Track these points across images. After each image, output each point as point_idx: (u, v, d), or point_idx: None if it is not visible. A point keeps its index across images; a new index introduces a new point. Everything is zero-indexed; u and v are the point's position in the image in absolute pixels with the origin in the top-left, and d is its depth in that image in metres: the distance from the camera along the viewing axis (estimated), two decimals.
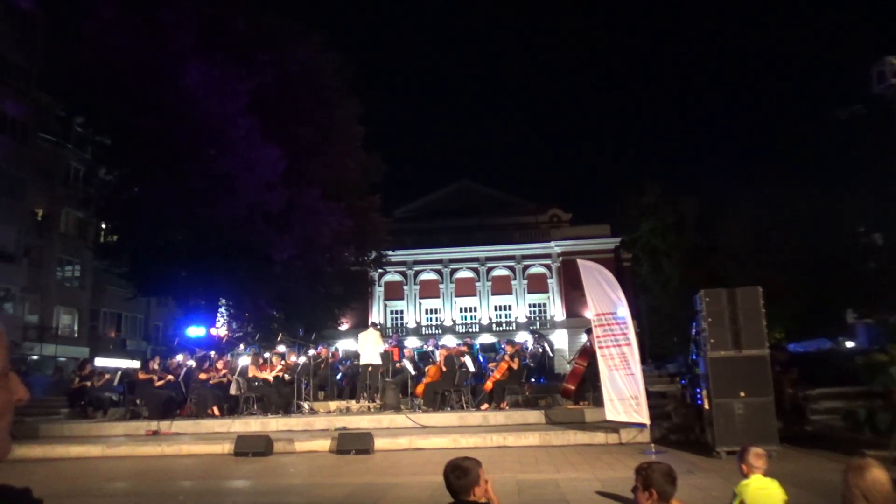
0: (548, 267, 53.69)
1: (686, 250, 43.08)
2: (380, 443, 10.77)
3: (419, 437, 11.10)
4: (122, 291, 32.78)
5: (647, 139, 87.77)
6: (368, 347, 15.27)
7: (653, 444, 9.67)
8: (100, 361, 33.32)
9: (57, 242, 36.03)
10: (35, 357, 32.63)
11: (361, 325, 31.44)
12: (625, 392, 10.07)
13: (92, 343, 37.93)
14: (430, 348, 18.51)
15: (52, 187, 35.59)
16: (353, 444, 10.47)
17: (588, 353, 13.48)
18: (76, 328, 38.07)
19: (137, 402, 15.32)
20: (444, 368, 14.31)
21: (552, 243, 53.03)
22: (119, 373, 17.59)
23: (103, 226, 32.19)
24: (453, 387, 14.12)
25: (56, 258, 36.54)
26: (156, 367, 15.68)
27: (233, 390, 14.94)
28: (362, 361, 15.36)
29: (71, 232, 37.58)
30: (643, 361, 13.69)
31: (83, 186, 32.44)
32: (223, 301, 28.26)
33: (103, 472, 9.92)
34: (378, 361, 15.19)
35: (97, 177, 27.23)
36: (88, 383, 16.37)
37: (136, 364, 23.58)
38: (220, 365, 15.61)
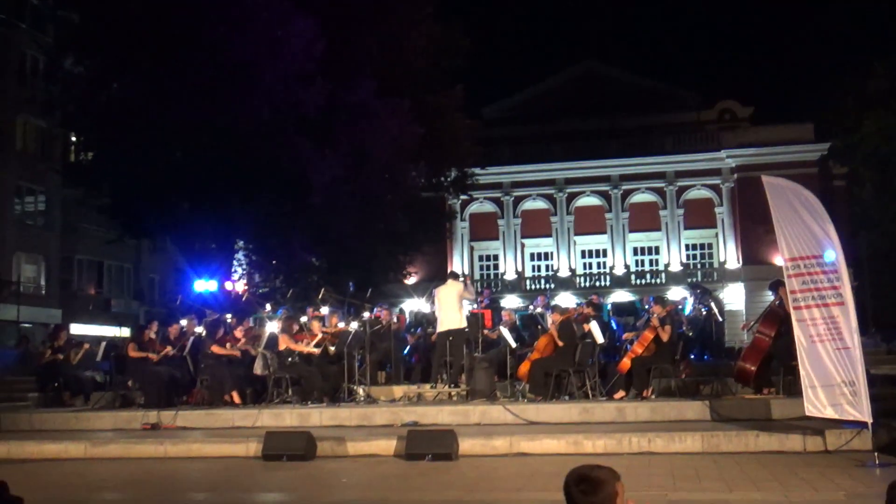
0: (716, 189, 52.53)
1: None
2: (466, 445, 10.97)
3: (524, 437, 11.24)
4: (103, 232, 34.31)
5: None
6: (449, 307, 15.40)
7: (877, 454, 9.44)
8: (76, 328, 35.27)
9: (12, 163, 37.83)
10: None
11: (438, 276, 31.88)
12: (834, 376, 9.83)
13: (65, 303, 40.04)
14: (539, 310, 18.57)
15: (1, 86, 37.08)
16: (429, 445, 10.70)
17: (777, 318, 13.18)
18: (43, 283, 40.24)
19: (129, 384, 16.12)
20: (559, 340, 14.34)
21: (723, 153, 51.74)
22: (103, 344, 18.51)
23: (74, 139, 33.52)
24: (573, 366, 14.16)
25: (12, 186, 38.47)
26: (153, 336, 16.39)
27: (258, 369, 15.48)
28: (440, 328, 15.54)
29: (30, 148, 39.33)
30: (864, 331, 13.27)
31: (44, 84, 33.73)
32: (241, 244, 29.15)
33: (88, 478, 10.54)
34: (462, 326, 15.35)
35: (63, 69, 28.20)
36: (62, 356, 17.31)
37: (125, 332, 24.81)
38: (239, 333, 16.16)
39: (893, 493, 3.53)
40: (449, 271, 20.94)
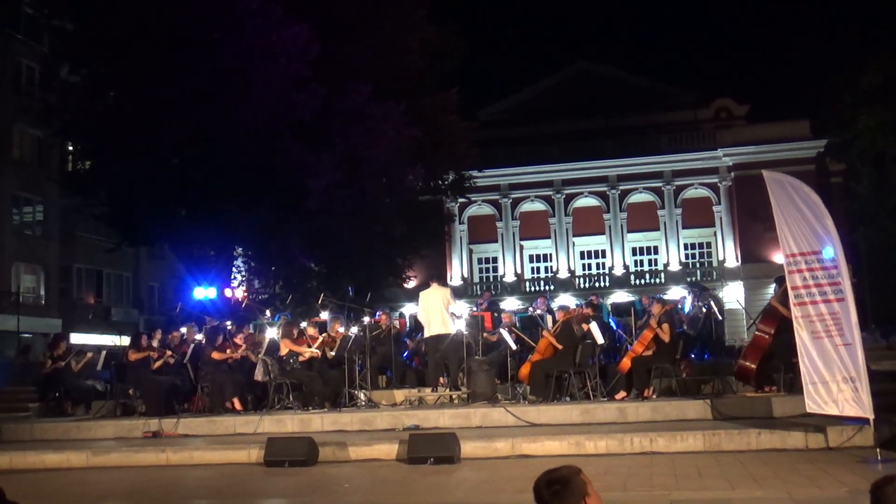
0: (713, 188, 52.58)
1: None
2: (468, 448, 10.97)
3: (525, 439, 11.24)
4: (102, 241, 34.31)
5: None
6: (434, 312, 15.54)
7: (879, 450, 9.43)
8: (76, 338, 35.28)
9: (9, 173, 37.91)
10: None
11: (437, 279, 31.77)
12: (836, 372, 9.82)
13: (65, 312, 40.07)
14: (539, 312, 18.57)
15: None
16: (431, 449, 10.70)
17: (777, 316, 13.17)
18: (43, 292, 40.26)
19: (130, 392, 16.12)
20: (557, 343, 14.34)
21: (720, 151, 51.78)
22: (103, 353, 18.52)
23: (71, 148, 33.53)
24: (573, 367, 14.16)
25: (10, 196, 38.52)
26: (155, 343, 16.41)
27: (258, 375, 15.49)
28: (427, 333, 15.77)
29: (28, 158, 39.39)
30: (864, 327, 13.27)
31: (40, 93, 33.78)
32: (240, 251, 29.13)
33: (90, 487, 10.54)
34: (449, 331, 15.46)
35: (59, 79, 28.22)
36: (63, 364, 17.30)
37: (125, 341, 24.79)
38: (239, 340, 16.18)
39: (878, 493, 3.51)
40: (428, 274, 21.03)
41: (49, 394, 17.36)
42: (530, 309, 20.52)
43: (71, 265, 41.74)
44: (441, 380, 15.67)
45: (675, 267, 52.20)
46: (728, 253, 51.88)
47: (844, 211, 43.34)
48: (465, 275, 53.81)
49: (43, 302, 40.04)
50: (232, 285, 27.96)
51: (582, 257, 54.68)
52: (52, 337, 21.20)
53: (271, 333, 16.63)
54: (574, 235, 54.05)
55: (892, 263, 42.95)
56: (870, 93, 42.77)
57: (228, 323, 18.70)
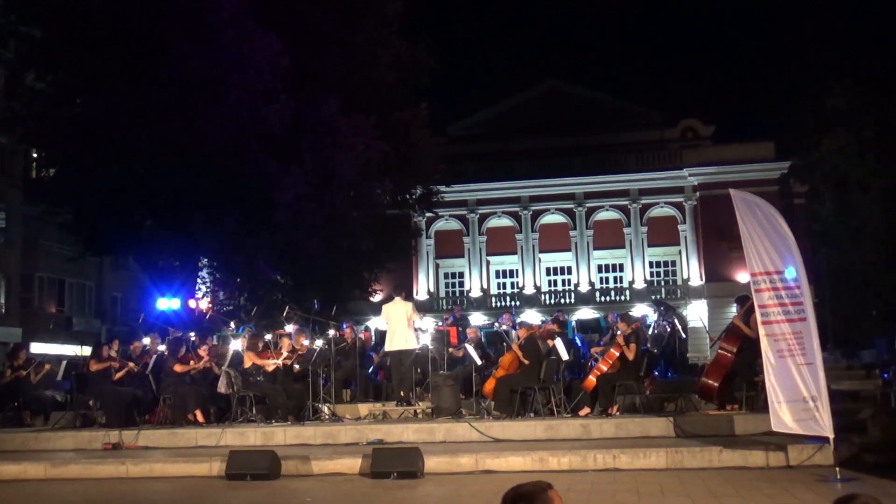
0: (678, 207, 53.01)
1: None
2: (432, 462, 10.95)
3: (489, 454, 11.23)
4: (64, 249, 33.92)
5: (833, 10, 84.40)
6: (398, 326, 15.55)
7: (838, 469, 9.53)
8: (37, 347, 34.74)
9: None
10: None
11: (401, 293, 31.72)
12: (799, 391, 9.90)
13: (25, 321, 39.48)
14: (504, 327, 18.60)
15: None
16: (394, 464, 10.67)
17: (740, 334, 13.30)
18: (3, 301, 39.68)
19: (90, 403, 15.91)
20: (523, 358, 14.36)
21: (685, 171, 52.24)
22: (64, 363, 18.29)
23: (35, 155, 33.17)
24: (538, 383, 14.17)
25: None
26: (113, 353, 16.23)
27: (221, 387, 15.35)
28: (388, 347, 15.80)
29: None
30: (824, 347, 13.43)
31: (5, 100, 33.40)
32: (205, 262, 28.93)
33: (48, 499, 10.42)
34: (410, 347, 15.47)
35: (24, 85, 27.91)
36: (23, 373, 17.07)
37: (86, 351, 24.47)
38: (202, 351, 16.05)
39: None
40: (393, 287, 21.03)
41: (8, 404, 17.12)
42: (496, 324, 20.55)
43: (32, 274, 41.11)
44: (408, 394, 15.64)
45: (640, 285, 52.50)
46: (692, 271, 52.28)
47: (807, 232, 43.91)
48: (432, 289, 53.81)
49: (3, 310, 39.45)
50: (196, 296, 27.77)
51: (548, 273, 54.85)
52: (12, 346, 20.89)
53: (235, 345, 16.51)
54: (540, 252, 54.23)
55: (854, 284, 43.54)
56: (834, 117, 43.46)
57: (192, 334, 18.56)
